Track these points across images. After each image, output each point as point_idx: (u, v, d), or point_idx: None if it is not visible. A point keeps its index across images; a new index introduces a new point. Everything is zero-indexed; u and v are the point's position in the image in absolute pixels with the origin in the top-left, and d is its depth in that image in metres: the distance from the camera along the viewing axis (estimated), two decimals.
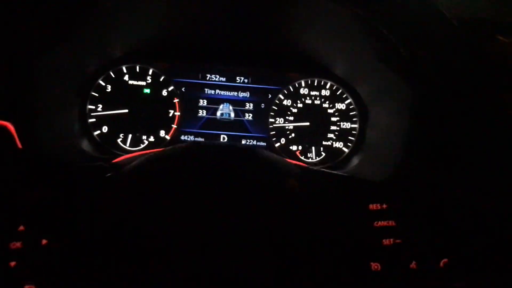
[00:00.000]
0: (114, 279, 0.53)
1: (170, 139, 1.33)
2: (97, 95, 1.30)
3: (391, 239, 0.64)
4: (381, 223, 0.65)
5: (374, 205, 0.67)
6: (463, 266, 0.64)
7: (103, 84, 1.30)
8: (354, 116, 1.36)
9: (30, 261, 0.57)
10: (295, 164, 0.73)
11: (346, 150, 1.37)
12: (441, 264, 0.63)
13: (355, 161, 1.33)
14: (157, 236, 0.55)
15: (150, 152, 0.76)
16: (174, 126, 1.34)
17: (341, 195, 0.68)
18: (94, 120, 1.30)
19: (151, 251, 0.54)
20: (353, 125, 1.36)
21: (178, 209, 0.57)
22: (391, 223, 0.65)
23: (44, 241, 0.59)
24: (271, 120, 1.37)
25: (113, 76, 1.30)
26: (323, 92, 1.36)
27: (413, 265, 0.62)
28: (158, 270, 0.53)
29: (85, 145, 1.27)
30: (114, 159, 0.91)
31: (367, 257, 0.63)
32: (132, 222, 0.57)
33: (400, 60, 0.93)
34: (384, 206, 0.67)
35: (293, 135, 1.37)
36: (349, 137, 1.37)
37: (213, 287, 0.51)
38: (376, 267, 0.62)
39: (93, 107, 1.30)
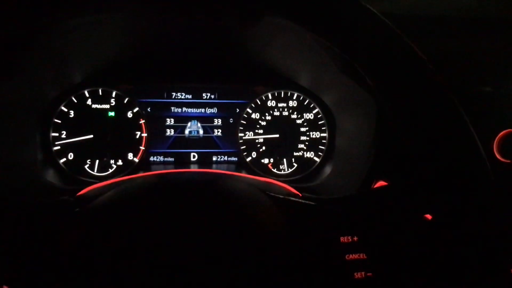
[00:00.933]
0: None
1: (138, 161, 1.31)
2: (60, 121, 1.26)
3: (363, 272, 0.63)
4: (352, 256, 0.64)
5: (345, 237, 0.66)
6: None
7: (66, 110, 1.27)
8: (322, 125, 1.37)
9: None
10: (264, 193, 0.72)
11: (317, 159, 1.37)
12: None
13: (327, 170, 1.34)
14: (127, 271, 0.53)
15: (115, 182, 0.74)
16: (142, 147, 1.31)
17: (312, 227, 0.66)
18: (58, 147, 1.26)
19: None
20: (322, 134, 1.37)
21: (146, 243, 0.56)
22: (362, 256, 0.65)
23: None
24: (240, 134, 1.36)
25: (76, 101, 1.27)
26: (290, 103, 1.37)
27: None
28: None
29: (50, 175, 1.23)
30: (80, 190, 0.88)
31: None
32: (100, 258, 0.55)
33: (358, 71, 0.94)
34: (355, 238, 0.66)
35: (263, 148, 1.36)
36: (320, 146, 1.37)
37: None
38: None
39: (57, 134, 1.26)
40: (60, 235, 0.61)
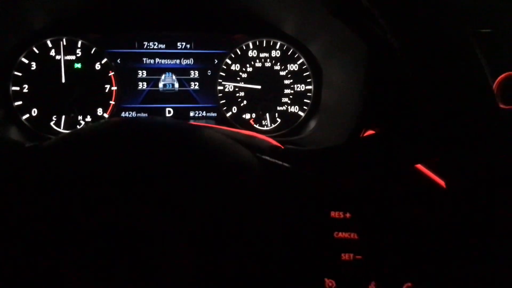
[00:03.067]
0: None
1: (109, 117, 1.21)
2: (20, 74, 1.15)
3: (351, 254, 0.56)
4: (342, 234, 0.57)
5: (337, 212, 0.58)
6: None
7: (26, 61, 1.16)
8: (307, 77, 1.27)
9: None
10: (249, 151, 0.63)
11: (302, 114, 1.28)
12: None
13: (312, 124, 1.26)
14: (81, 223, 0.45)
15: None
16: (112, 102, 1.21)
17: (299, 195, 0.58)
18: (20, 103, 1.16)
19: (74, 241, 0.44)
20: (307, 87, 1.28)
21: (102, 194, 0.47)
22: (353, 235, 0.57)
23: None
24: (219, 87, 1.26)
25: (37, 51, 1.16)
26: (273, 53, 1.26)
27: (371, 286, 0.55)
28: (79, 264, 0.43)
29: (13, 132, 1.13)
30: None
31: (322, 272, 0.54)
32: (53, 205, 0.47)
33: (354, 13, 0.85)
34: (348, 215, 0.58)
35: (245, 102, 1.27)
36: (304, 100, 1.28)
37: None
38: (330, 284, 0.54)
39: (18, 88, 1.16)
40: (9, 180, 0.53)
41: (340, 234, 0.57)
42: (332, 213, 0.58)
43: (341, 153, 0.68)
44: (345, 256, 0.56)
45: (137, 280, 0.43)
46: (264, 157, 0.63)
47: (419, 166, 0.67)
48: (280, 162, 0.65)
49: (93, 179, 0.48)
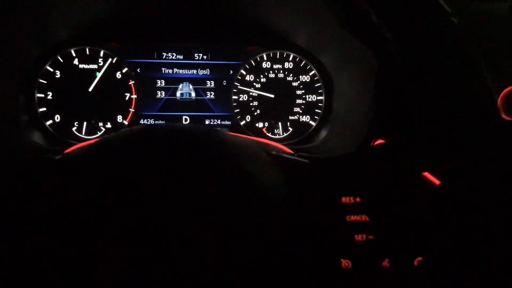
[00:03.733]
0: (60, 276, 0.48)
1: (128, 124, 1.26)
2: (45, 82, 1.21)
3: (364, 235, 0.59)
4: (354, 217, 0.60)
5: (347, 198, 0.61)
6: (439, 266, 0.60)
7: (51, 70, 1.21)
8: (319, 87, 1.32)
9: None
10: (261, 149, 0.67)
11: (313, 123, 1.33)
12: (416, 262, 0.59)
13: (323, 134, 1.30)
14: (108, 228, 0.49)
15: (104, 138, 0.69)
16: (132, 110, 1.26)
17: (312, 185, 0.62)
18: (44, 109, 1.21)
19: (101, 245, 0.48)
20: (319, 97, 1.32)
21: (129, 199, 0.51)
22: (364, 218, 0.60)
23: None
24: (234, 97, 1.31)
25: (62, 60, 1.21)
26: (286, 65, 1.31)
27: (385, 263, 0.58)
28: (109, 268, 0.47)
29: (37, 137, 1.18)
30: (66, 149, 0.84)
31: (338, 253, 0.58)
32: (80, 213, 0.51)
33: (365, 26, 0.89)
34: (358, 199, 0.62)
35: (258, 111, 1.32)
36: (316, 110, 1.32)
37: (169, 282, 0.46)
38: (346, 264, 0.57)
39: (42, 95, 1.21)
40: (42, 189, 0.57)
41: (352, 217, 0.60)
42: (343, 199, 0.62)
43: (352, 161, 0.72)
44: (358, 237, 0.59)
45: (165, 278, 0.47)
46: (276, 153, 0.68)
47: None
48: (291, 156, 0.69)
49: (126, 184, 0.52)
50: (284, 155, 0.67)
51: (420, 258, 0.59)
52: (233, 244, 0.49)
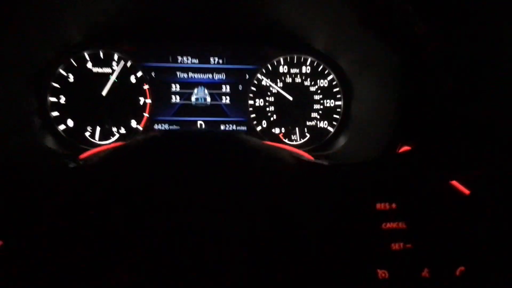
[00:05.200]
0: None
1: (142, 129, 1.23)
2: (58, 86, 1.18)
3: (401, 244, 0.56)
4: (390, 225, 0.57)
5: (382, 204, 0.58)
6: (483, 276, 0.56)
7: (64, 73, 1.18)
8: (337, 92, 1.28)
9: None
10: (288, 154, 0.64)
11: (331, 129, 1.29)
12: (457, 272, 0.55)
13: (342, 140, 1.26)
14: (127, 233, 0.46)
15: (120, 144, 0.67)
16: (146, 114, 1.23)
17: (343, 191, 0.59)
18: (57, 113, 1.19)
19: (121, 250, 0.45)
20: (337, 102, 1.29)
21: (147, 205, 0.48)
22: (401, 225, 0.57)
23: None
24: (250, 102, 1.28)
25: (75, 64, 1.19)
26: (304, 69, 1.28)
27: (425, 273, 0.54)
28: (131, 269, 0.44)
29: (49, 141, 1.16)
30: (79, 155, 0.81)
31: (374, 263, 0.54)
32: (98, 219, 0.48)
33: (391, 23, 0.86)
34: (393, 206, 0.58)
35: (274, 116, 1.28)
36: (334, 115, 1.29)
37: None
38: (383, 275, 0.53)
39: (55, 99, 1.18)
40: (58, 196, 0.54)
41: (387, 224, 0.57)
42: (378, 205, 0.58)
43: (378, 167, 0.68)
44: (395, 246, 0.55)
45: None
46: (302, 158, 0.64)
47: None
48: (319, 161, 0.66)
49: (155, 189, 0.50)
50: (316, 161, 0.64)
51: (462, 268, 0.55)
52: (265, 252, 0.46)
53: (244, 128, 1.29)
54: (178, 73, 1.25)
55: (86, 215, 0.49)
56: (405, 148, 0.91)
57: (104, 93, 1.20)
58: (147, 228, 0.46)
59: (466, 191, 0.63)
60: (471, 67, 0.73)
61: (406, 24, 0.75)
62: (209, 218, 0.47)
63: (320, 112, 1.29)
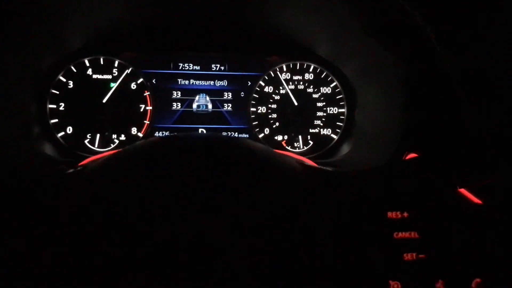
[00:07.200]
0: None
1: (143, 137, 1.21)
2: (57, 92, 1.17)
3: (414, 254, 0.53)
4: (402, 234, 0.55)
5: (394, 213, 0.56)
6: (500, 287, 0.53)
7: (64, 80, 1.17)
8: (340, 99, 1.27)
9: None
10: (295, 160, 0.62)
11: (334, 136, 1.27)
12: (473, 284, 0.53)
13: (345, 148, 1.24)
14: (127, 240, 0.44)
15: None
16: (147, 122, 1.21)
17: (353, 199, 0.57)
18: (56, 120, 1.17)
19: (121, 257, 0.43)
20: (340, 110, 1.27)
21: (149, 210, 0.46)
22: (414, 234, 0.55)
23: None
24: (252, 109, 1.26)
25: (75, 70, 1.18)
26: (307, 76, 1.27)
27: (439, 285, 0.52)
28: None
29: (48, 149, 1.14)
30: (79, 162, 0.79)
31: (386, 275, 0.52)
32: (97, 224, 0.46)
33: (396, 33, 0.84)
34: (405, 214, 0.56)
35: (277, 124, 1.27)
36: (337, 123, 1.27)
37: None
38: (396, 286, 0.51)
39: (54, 106, 1.17)
40: (56, 203, 0.52)
41: (400, 234, 0.54)
42: (389, 214, 0.56)
43: (387, 174, 0.67)
44: (408, 256, 0.53)
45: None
46: (308, 164, 0.62)
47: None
48: (325, 168, 0.64)
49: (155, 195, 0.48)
50: (325, 168, 0.62)
51: (478, 280, 0.53)
52: (273, 262, 0.45)
53: (246, 135, 1.27)
54: (179, 80, 1.24)
55: (84, 220, 0.48)
56: (412, 155, 0.90)
57: (104, 100, 1.18)
58: (149, 234, 0.45)
59: (478, 200, 0.62)
60: (480, 74, 0.71)
61: (413, 33, 0.73)
62: (214, 224, 0.45)
63: (323, 119, 1.27)
